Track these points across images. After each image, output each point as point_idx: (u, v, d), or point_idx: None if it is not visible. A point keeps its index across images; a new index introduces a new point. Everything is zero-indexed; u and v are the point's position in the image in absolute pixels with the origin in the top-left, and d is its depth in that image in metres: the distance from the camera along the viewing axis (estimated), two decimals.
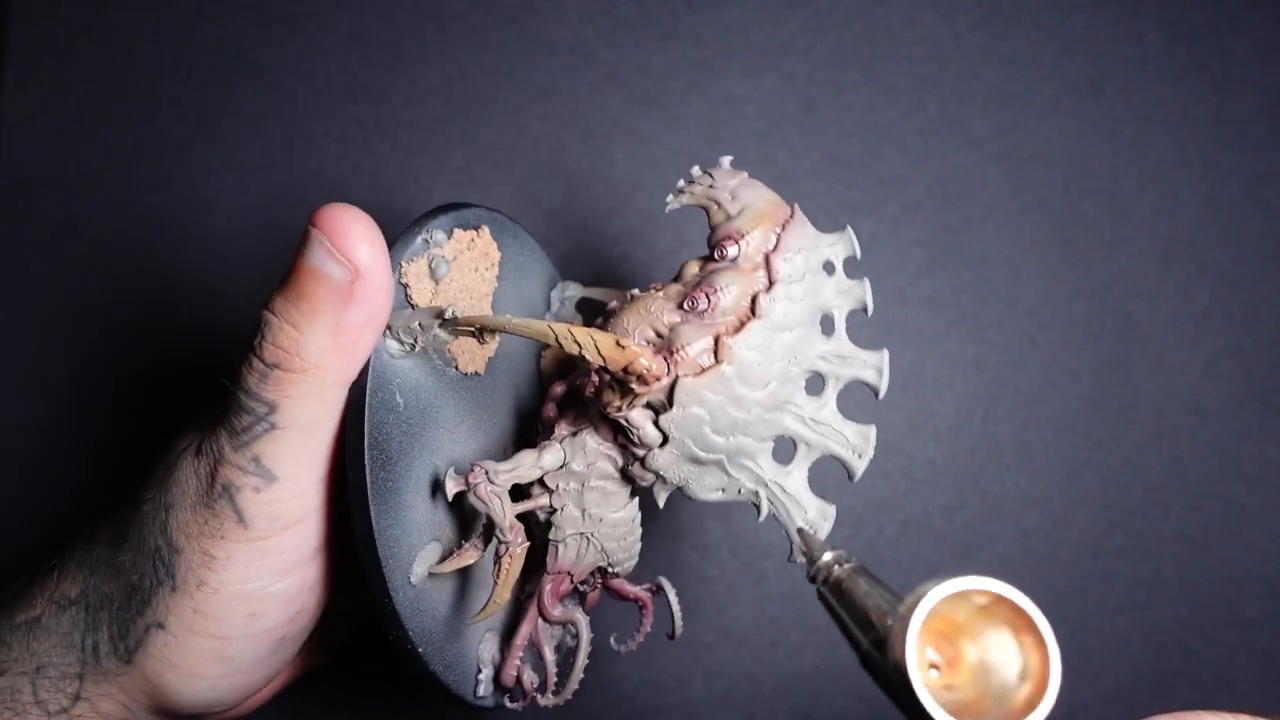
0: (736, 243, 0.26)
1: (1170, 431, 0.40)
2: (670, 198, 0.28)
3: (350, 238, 0.25)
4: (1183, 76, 0.42)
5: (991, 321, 0.41)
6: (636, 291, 0.27)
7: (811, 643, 0.39)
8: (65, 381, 0.40)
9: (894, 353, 0.41)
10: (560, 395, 0.28)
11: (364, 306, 0.25)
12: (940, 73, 0.42)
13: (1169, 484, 0.40)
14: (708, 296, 0.26)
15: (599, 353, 0.24)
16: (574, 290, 0.32)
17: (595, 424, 0.27)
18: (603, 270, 0.40)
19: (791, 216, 0.26)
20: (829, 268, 0.27)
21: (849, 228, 0.27)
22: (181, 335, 0.40)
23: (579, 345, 0.24)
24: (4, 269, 0.40)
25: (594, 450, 0.27)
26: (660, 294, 0.27)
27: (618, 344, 0.24)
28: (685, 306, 0.26)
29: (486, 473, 0.26)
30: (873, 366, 0.27)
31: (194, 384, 0.40)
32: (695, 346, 0.25)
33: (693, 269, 0.27)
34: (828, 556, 0.24)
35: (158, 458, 0.29)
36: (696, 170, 0.28)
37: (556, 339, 0.24)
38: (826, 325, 0.27)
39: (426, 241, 0.27)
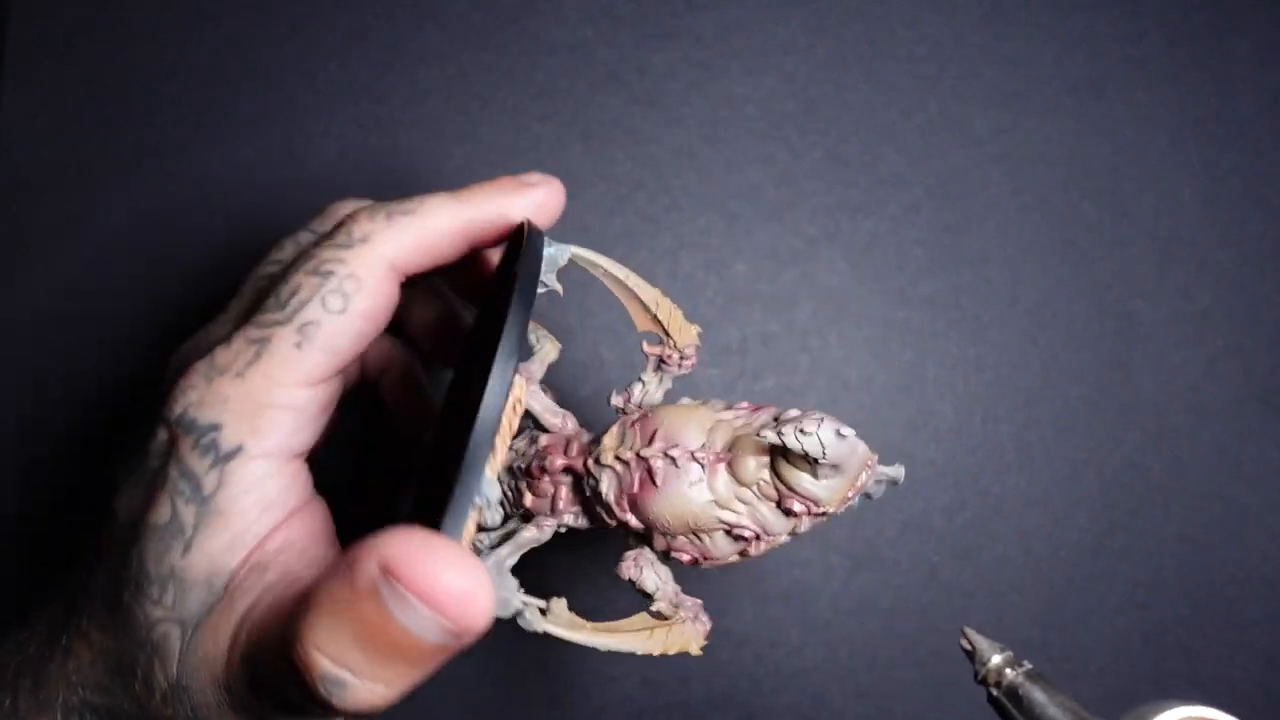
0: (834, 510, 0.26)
1: (1171, 432, 0.40)
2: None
3: (441, 582, 0.18)
4: (1183, 76, 0.42)
5: (991, 321, 0.41)
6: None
7: (811, 643, 0.39)
8: (64, 382, 0.40)
9: (894, 353, 0.41)
10: (559, 469, 0.28)
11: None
12: (941, 72, 0.42)
13: (1169, 484, 0.40)
14: (808, 514, 0.25)
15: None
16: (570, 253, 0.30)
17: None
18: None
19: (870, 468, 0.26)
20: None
21: (901, 469, 0.26)
22: (181, 336, 0.40)
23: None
24: (4, 269, 0.40)
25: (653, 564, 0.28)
26: (752, 458, 0.25)
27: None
28: (782, 507, 0.25)
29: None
30: (889, 478, 0.27)
31: None
32: (779, 536, 0.26)
33: (755, 461, 0.26)
34: (997, 660, 0.23)
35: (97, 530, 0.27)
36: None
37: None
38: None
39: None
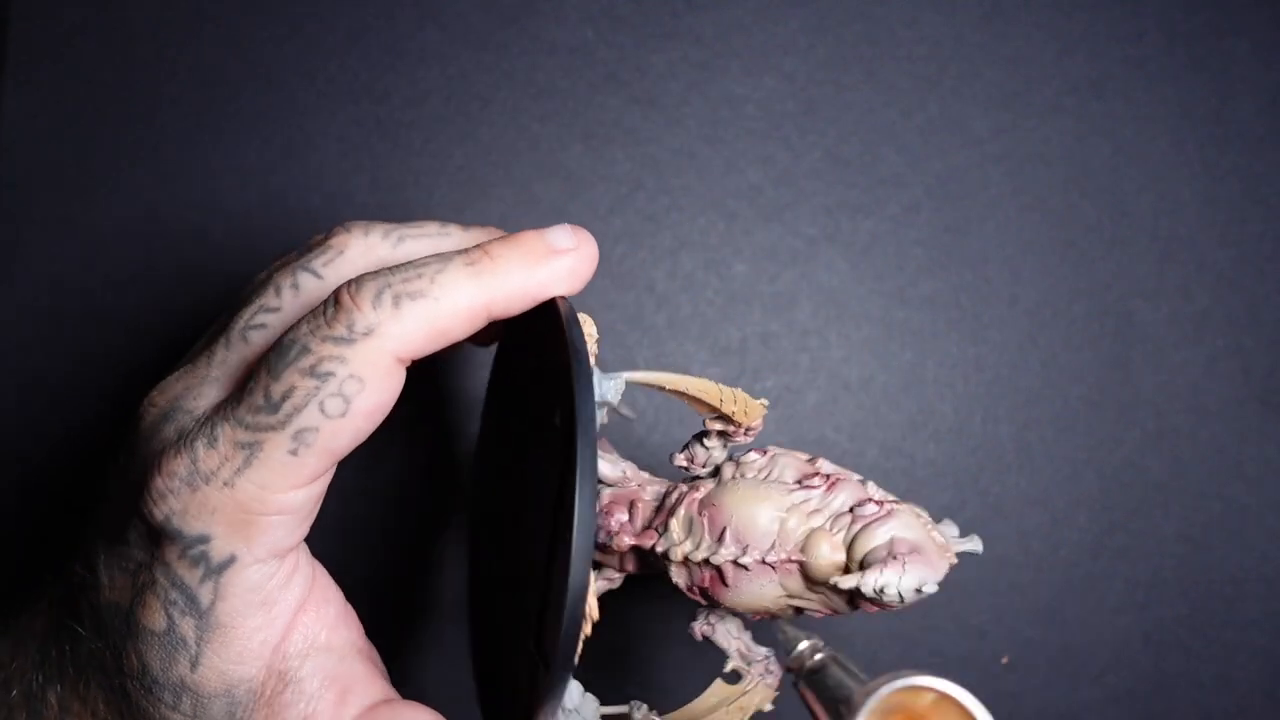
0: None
1: (1171, 431, 0.40)
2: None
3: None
4: (1183, 76, 0.42)
5: (991, 321, 0.41)
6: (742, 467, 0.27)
7: None
8: (64, 382, 0.40)
9: (894, 353, 0.41)
10: (626, 549, 0.28)
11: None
12: (941, 72, 0.42)
13: (1170, 484, 0.40)
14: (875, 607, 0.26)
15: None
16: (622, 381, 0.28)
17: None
18: (602, 270, 0.40)
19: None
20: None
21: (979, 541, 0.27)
22: (181, 335, 0.40)
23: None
24: (3, 269, 0.40)
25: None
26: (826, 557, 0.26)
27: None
28: (855, 604, 0.26)
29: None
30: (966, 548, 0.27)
31: None
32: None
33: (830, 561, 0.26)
34: (803, 645, 0.24)
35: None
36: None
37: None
38: None
39: None
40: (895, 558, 0.24)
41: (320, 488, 0.23)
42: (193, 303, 0.41)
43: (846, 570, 0.25)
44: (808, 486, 0.26)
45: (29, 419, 0.40)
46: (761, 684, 0.28)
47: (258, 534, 0.22)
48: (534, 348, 0.26)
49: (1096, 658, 0.39)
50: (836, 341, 0.40)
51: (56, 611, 0.25)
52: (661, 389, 0.26)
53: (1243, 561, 0.40)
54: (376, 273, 0.23)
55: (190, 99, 0.41)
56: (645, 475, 0.29)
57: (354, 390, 0.22)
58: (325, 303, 0.23)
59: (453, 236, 0.27)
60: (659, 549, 0.27)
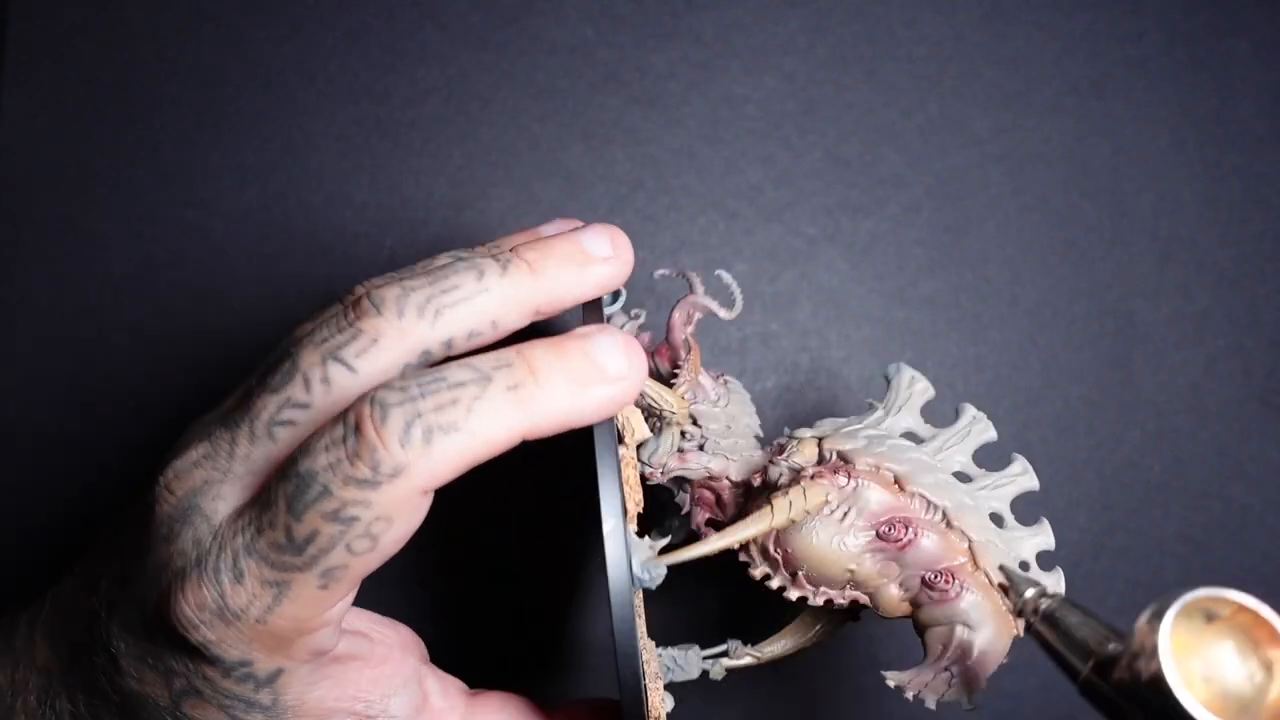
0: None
1: (1171, 432, 0.40)
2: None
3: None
4: (1183, 76, 0.42)
5: (991, 321, 0.41)
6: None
7: None
8: (64, 382, 0.40)
9: (894, 353, 0.41)
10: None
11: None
12: (941, 72, 0.42)
13: (1170, 484, 0.40)
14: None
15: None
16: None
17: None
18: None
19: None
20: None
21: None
22: (181, 335, 0.40)
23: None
24: (3, 269, 0.40)
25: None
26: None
27: None
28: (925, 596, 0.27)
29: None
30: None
31: (193, 385, 0.40)
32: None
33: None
34: (1031, 592, 0.25)
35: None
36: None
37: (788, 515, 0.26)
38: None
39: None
40: (946, 670, 0.26)
41: (354, 594, 0.23)
42: (192, 303, 0.41)
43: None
44: (884, 540, 0.26)
45: (29, 419, 0.40)
46: (807, 480, 0.27)
47: (298, 650, 0.22)
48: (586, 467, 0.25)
49: None
50: (836, 341, 0.40)
51: (69, 679, 0.25)
52: (703, 557, 0.27)
53: (1243, 562, 0.39)
54: (404, 391, 0.21)
55: (190, 99, 0.41)
56: (727, 461, 0.30)
57: (381, 530, 0.21)
58: (346, 425, 0.21)
59: (492, 291, 0.23)
60: (740, 558, 0.29)
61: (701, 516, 0.30)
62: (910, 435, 0.29)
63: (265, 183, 0.41)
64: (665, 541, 0.27)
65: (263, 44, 0.41)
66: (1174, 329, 0.40)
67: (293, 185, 0.41)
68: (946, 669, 0.26)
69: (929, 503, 0.26)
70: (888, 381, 0.30)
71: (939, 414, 0.30)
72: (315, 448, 0.21)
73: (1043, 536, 0.28)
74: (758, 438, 0.31)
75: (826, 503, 0.27)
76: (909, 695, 0.26)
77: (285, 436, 0.22)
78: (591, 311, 0.26)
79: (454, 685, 0.27)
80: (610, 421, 0.24)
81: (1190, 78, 0.42)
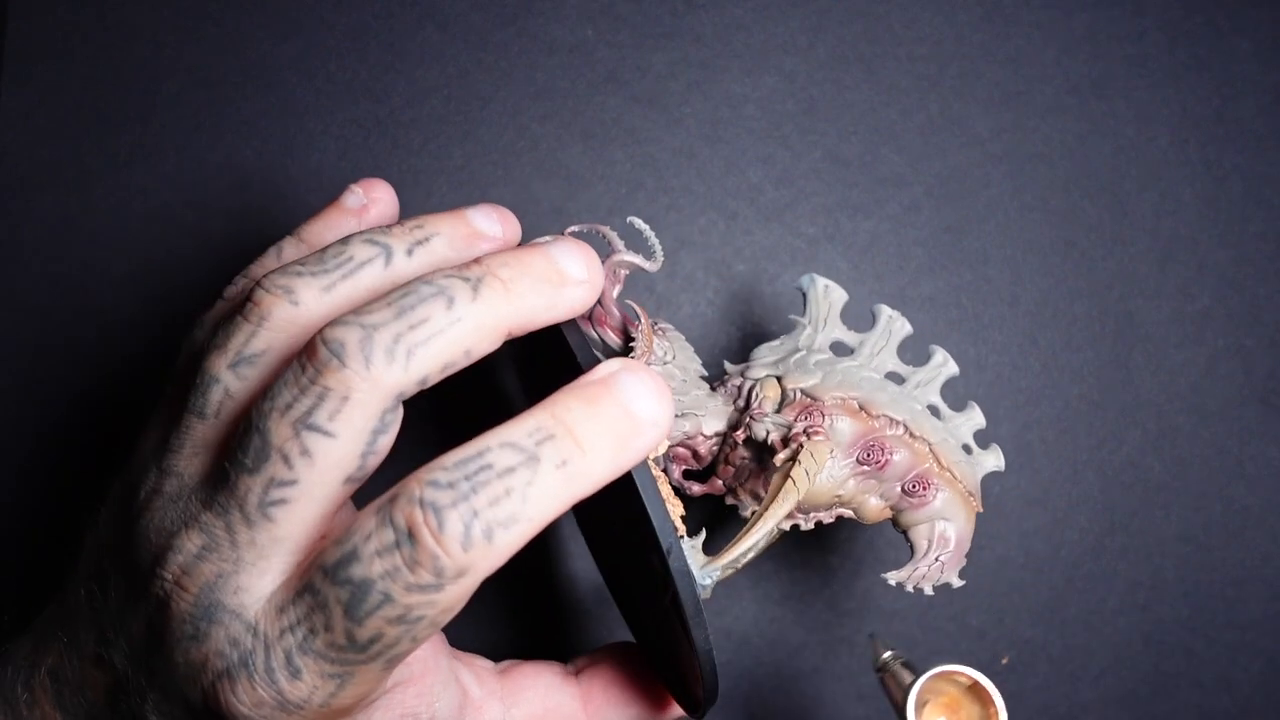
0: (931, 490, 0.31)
1: (1171, 432, 0.40)
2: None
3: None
4: (1184, 76, 0.42)
5: (991, 321, 0.41)
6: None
7: (811, 643, 0.39)
8: (64, 382, 0.40)
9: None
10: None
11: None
12: (941, 72, 0.42)
13: (1170, 484, 0.40)
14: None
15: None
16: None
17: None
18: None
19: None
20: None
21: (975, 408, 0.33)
22: (180, 336, 0.40)
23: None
24: (3, 269, 0.40)
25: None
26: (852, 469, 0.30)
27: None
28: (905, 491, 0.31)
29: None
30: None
31: None
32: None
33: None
34: (887, 655, 0.30)
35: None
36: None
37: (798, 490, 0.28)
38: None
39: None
40: (935, 560, 0.30)
41: None
42: (193, 303, 0.41)
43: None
44: (864, 464, 0.30)
45: (29, 419, 0.40)
46: (810, 442, 0.29)
47: (359, 708, 0.22)
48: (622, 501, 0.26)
49: (1096, 658, 0.39)
50: None
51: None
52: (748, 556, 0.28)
53: (1244, 562, 0.39)
54: (454, 489, 0.20)
55: (190, 99, 0.41)
56: (697, 419, 0.31)
57: (447, 618, 0.21)
58: (397, 531, 0.20)
59: (465, 320, 0.22)
60: (728, 500, 0.32)
61: (678, 471, 0.32)
62: (838, 345, 0.32)
63: (265, 183, 0.41)
64: (703, 536, 0.28)
65: (263, 44, 0.41)
66: (1174, 329, 0.40)
67: (293, 185, 0.41)
68: (936, 558, 0.30)
69: (891, 419, 0.30)
70: (803, 296, 0.33)
71: (860, 318, 0.34)
72: (364, 553, 0.20)
73: (976, 418, 0.32)
74: (703, 377, 0.32)
75: (831, 454, 0.29)
76: (909, 589, 0.30)
77: (283, 515, 0.21)
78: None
79: (484, 669, 0.27)
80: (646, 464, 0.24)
81: (1191, 78, 0.42)
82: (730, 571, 0.28)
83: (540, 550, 0.40)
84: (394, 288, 0.22)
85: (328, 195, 0.41)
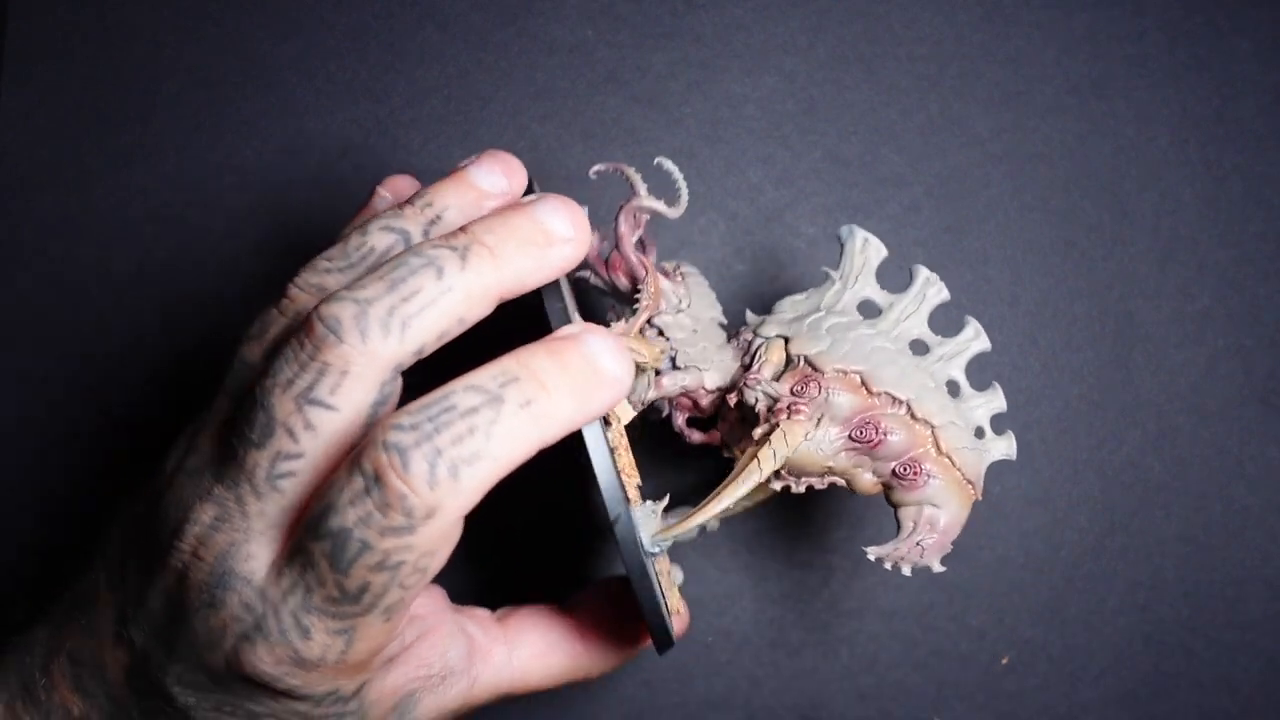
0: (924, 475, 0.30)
1: (1171, 432, 0.40)
2: None
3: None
4: (1184, 76, 0.42)
5: (991, 321, 0.41)
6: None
7: (811, 643, 0.39)
8: (64, 382, 0.40)
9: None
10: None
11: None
12: (941, 72, 0.42)
13: (1170, 484, 0.40)
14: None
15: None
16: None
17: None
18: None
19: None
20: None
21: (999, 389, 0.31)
22: (181, 336, 0.40)
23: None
24: (3, 269, 0.40)
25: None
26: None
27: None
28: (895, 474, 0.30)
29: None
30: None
31: (192, 384, 0.40)
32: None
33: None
34: None
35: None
36: None
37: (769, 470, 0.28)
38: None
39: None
40: (917, 543, 0.29)
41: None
42: (193, 302, 0.41)
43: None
44: (856, 440, 0.29)
45: (29, 419, 0.40)
46: (788, 422, 0.29)
47: (376, 664, 0.24)
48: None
49: (1096, 658, 0.39)
50: None
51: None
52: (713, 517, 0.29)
53: (1244, 562, 0.39)
54: (417, 430, 0.20)
55: (189, 99, 0.41)
56: (699, 373, 0.31)
57: (428, 562, 0.21)
58: (365, 476, 0.20)
59: (456, 290, 0.23)
60: (724, 454, 0.31)
61: (681, 419, 0.32)
62: (868, 304, 0.31)
63: (265, 183, 0.41)
64: (665, 502, 0.29)
65: (263, 44, 0.41)
66: (1174, 329, 0.40)
67: (293, 185, 0.41)
68: (918, 542, 0.29)
69: (893, 398, 0.29)
70: (841, 246, 0.31)
71: (896, 278, 0.32)
72: (339, 503, 0.21)
73: (996, 401, 0.31)
74: (722, 325, 0.32)
75: (806, 438, 0.28)
76: (887, 565, 0.29)
77: (290, 486, 0.22)
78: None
79: (485, 617, 0.29)
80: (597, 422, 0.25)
81: (1191, 78, 0.42)
82: (689, 538, 0.29)
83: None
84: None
85: (328, 195, 0.41)
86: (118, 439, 0.40)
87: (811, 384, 0.29)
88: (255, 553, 0.22)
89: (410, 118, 0.41)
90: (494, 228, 0.24)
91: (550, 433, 0.22)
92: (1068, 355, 0.40)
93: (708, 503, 0.28)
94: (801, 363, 0.30)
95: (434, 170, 0.41)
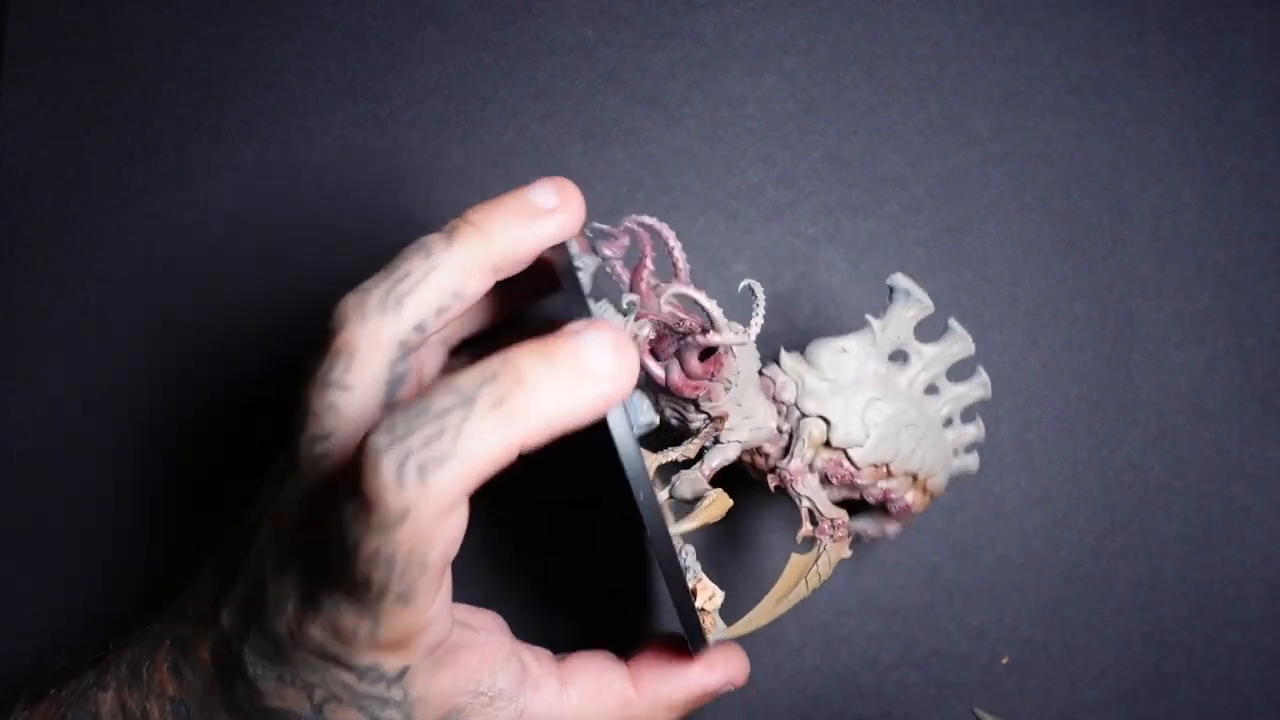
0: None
1: (1171, 432, 0.40)
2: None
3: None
4: (1184, 76, 0.42)
5: (991, 321, 0.41)
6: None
7: (811, 643, 0.39)
8: (63, 382, 0.40)
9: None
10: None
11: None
12: (941, 71, 0.42)
13: (1170, 484, 0.40)
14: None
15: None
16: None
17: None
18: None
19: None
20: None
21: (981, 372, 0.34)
22: (181, 335, 0.40)
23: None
24: (3, 269, 0.40)
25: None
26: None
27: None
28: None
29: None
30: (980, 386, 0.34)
31: (193, 384, 0.40)
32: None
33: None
34: None
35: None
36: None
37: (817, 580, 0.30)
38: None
39: None
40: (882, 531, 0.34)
41: (446, 578, 0.24)
42: (192, 303, 0.41)
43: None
44: (864, 498, 0.32)
45: (29, 419, 0.40)
46: (831, 545, 0.30)
47: (417, 649, 0.24)
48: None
49: (1096, 658, 0.39)
50: None
51: (206, 709, 0.27)
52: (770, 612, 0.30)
53: (1244, 562, 0.39)
54: (391, 432, 0.21)
55: (189, 99, 0.41)
56: (739, 446, 0.31)
57: (423, 553, 0.21)
58: (351, 478, 0.21)
59: (444, 265, 0.24)
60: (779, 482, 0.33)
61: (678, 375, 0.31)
62: (899, 353, 0.33)
63: (265, 183, 0.41)
64: (722, 597, 0.30)
65: (263, 44, 0.41)
66: (1174, 329, 0.40)
67: (293, 185, 0.41)
68: (827, 532, 0.31)
69: (913, 476, 0.32)
70: (890, 295, 0.33)
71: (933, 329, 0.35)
72: (339, 498, 0.22)
73: (978, 389, 0.34)
74: (761, 372, 0.32)
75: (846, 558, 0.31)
76: (797, 539, 0.30)
77: (325, 468, 0.24)
78: (570, 284, 0.26)
79: (543, 653, 0.30)
80: (620, 409, 0.24)
81: (1190, 78, 0.42)
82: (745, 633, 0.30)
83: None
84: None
85: (327, 195, 0.41)
86: (118, 439, 0.40)
87: (848, 481, 0.31)
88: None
89: (410, 118, 0.41)
90: (481, 207, 0.25)
91: (531, 430, 0.21)
92: (1068, 355, 0.40)
93: (757, 613, 0.30)
94: (841, 455, 0.31)
95: (434, 170, 0.41)
